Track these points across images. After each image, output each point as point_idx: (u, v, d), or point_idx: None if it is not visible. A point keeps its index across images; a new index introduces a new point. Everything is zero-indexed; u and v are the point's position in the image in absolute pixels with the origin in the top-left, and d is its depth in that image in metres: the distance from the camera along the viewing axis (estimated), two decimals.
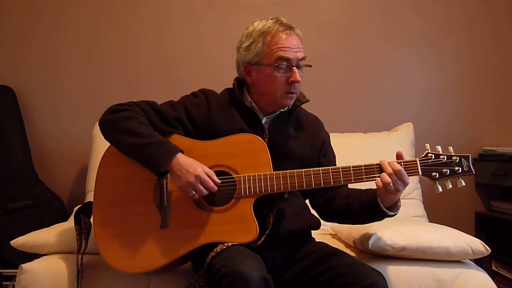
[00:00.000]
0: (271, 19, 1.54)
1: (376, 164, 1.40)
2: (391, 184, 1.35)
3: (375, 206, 1.43)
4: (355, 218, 1.54)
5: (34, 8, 2.74)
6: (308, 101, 1.62)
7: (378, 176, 1.38)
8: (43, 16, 2.74)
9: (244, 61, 1.56)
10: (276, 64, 1.49)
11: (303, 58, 1.52)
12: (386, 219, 1.48)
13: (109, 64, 2.74)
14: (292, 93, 1.53)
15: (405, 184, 1.38)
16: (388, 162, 1.39)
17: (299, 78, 1.50)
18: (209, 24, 2.75)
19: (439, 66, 2.76)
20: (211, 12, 2.75)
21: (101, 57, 2.74)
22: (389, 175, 1.36)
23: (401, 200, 1.47)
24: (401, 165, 1.38)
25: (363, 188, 1.58)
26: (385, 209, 1.42)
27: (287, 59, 1.49)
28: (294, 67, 1.50)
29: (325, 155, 1.65)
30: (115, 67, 2.73)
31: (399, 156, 1.41)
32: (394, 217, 1.48)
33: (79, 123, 2.67)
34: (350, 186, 1.58)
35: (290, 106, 1.60)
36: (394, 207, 1.45)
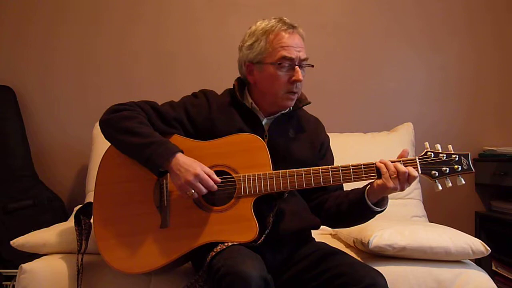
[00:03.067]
0: (274, 18, 1.54)
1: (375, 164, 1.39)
2: (398, 186, 1.35)
3: (363, 203, 1.43)
4: (344, 218, 1.52)
5: (34, 8, 2.73)
6: (309, 103, 1.62)
7: (377, 176, 1.38)
8: (43, 16, 2.73)
9: (246, 60, 1.56)
10: (279, 63, 1.49)
11: (305, 59, 1.52)
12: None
13: (109, 64, 2.73)
14: (294, 93, 1.52)
15: (411, 183, 1.37)
16: (392, 162, 1.38)
17: (301, 77, 1.49)
18: (207, 23, 2.74)
19: (440, 66, 2.76)
20: (209, 11, 2.75)
21: (102, 57, 2.73)
22: (393, 179, 1.35)
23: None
24: (400, 163, 1.37)
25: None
26: (371, 205, 1.42)
27: (290, 59, 1.49)
28: (297, 67, 1.50)
29: (323, 157, 1.64)
30: (115, 67, 2.73)
31: (403, 155, 1.41)
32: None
33: (79, 123, 2.67)
34: (350, 185, 1.58)
35: (291, 108, 1.60)
36: (381, 203, 1.44)
